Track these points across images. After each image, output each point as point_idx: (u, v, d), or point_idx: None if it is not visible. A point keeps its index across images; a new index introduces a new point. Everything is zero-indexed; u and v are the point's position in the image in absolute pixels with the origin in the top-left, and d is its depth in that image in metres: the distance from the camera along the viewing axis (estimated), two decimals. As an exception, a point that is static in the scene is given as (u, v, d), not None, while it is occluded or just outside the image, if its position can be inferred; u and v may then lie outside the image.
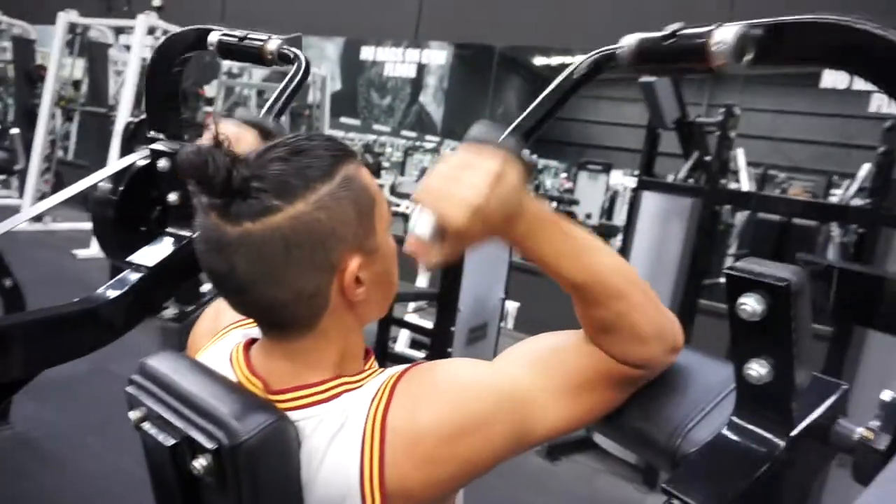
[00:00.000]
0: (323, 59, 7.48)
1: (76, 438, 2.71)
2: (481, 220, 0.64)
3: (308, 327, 0.67)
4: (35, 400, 2.68)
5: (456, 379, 0.69)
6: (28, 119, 6.53)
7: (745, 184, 4.77)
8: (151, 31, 5.94)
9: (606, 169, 6.38)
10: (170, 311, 1.44)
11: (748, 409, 0.67)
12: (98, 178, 1.40)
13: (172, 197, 1.32)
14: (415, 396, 0.66)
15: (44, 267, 4.65)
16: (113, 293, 1.25)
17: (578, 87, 0.99)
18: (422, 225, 0.65)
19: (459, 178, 0.64)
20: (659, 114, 3.13)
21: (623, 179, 6.19)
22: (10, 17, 7.14)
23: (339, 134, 7.18)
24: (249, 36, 1.31)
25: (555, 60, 6.25)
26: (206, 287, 1.47)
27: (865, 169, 3.97)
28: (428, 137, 7.17)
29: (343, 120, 7.50)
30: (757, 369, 0.63)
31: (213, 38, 1.35)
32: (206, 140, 0.61)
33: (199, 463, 0.62)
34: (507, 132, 0.78)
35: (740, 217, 4.69)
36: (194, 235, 0.66)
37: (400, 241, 0.66)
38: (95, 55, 7.29)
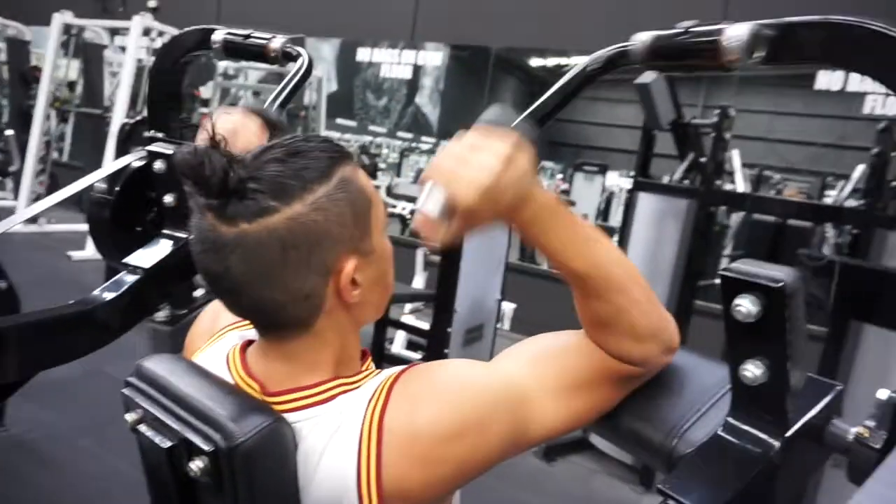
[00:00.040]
0: (319, 61, 7.46)
1: (72, 440, 2.71)
2: (490, 202, 0.64)
3: (304, 329, 0.67)
4: (31, 402, 2.66)
5: (453, 379, 0.69)
6: (23, 120, 6.52)
7: (741, 185, 4.78)
8: (147, 32, 5.93)
9: (602, 170, 6.38)
10: (161, 314, 1.44)
11: (743, 410, 0.68)
12: (94, 180, 1.40)
13: (168, 198, 1.32)
14: (412, 397, 0.66)
15: (39, 269, 4.63)
16: (109, 295, 1.25)
17: (591, 81, 1.01)
18: (431, 202, 0.65)
19: (471, 158, 0.65)
20: (654, 115, 3.13)
21: (619, 181, 6.18)
22: (5, 17, 7.10)
23: (335, 135, 7.16)
24: (253, 34, 1.33)
25: (551, 62, 6.24)
26: (200, 292, 1.47)
27: (860, 170, 3.98)
28: (424, 139, 7.16)
29: (339, 121, 7.48)
30: (752, 370, 0.64)
31: (218, 36, 1.36)
32: (202, 140, 0.60)
33: (196, 465, 0.62)
34: (520, 118, 0.78)
35: (735, 218, 4.70)
36: (190, 237, 0.66)
37: (396, 242, 0.66)
38: (90, 56, 7.26)
